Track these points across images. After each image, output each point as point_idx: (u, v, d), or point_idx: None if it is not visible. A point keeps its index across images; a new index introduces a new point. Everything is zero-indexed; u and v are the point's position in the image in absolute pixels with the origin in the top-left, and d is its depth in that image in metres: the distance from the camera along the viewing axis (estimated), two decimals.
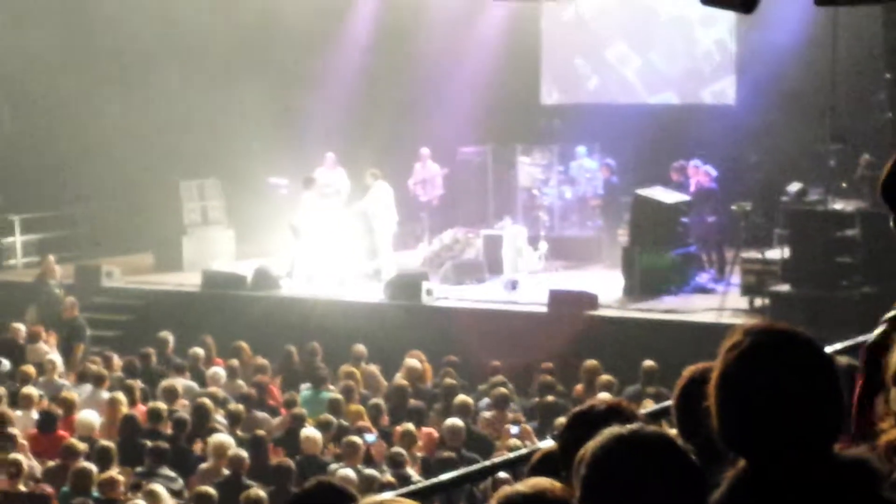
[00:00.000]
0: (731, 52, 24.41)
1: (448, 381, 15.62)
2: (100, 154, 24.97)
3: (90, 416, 13.90)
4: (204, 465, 12.57)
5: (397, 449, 12.63)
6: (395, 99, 25.31)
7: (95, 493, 11.44)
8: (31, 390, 15.27)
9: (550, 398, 14.76)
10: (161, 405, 14.41)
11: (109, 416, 14.37)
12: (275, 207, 23.98)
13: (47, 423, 13.98)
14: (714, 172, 20.81)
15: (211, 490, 11.07)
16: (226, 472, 12.11)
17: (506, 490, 3.49)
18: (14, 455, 12.18)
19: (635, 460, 2.84)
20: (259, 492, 10.77)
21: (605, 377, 15.25)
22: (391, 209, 22.35)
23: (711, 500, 2.90)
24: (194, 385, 16.33)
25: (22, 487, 11.81)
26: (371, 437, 13.30)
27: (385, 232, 22.27)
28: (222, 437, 12.83)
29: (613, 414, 3.76)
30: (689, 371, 3.96)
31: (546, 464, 4.14)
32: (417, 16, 25.41)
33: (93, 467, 11.74)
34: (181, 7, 24.86)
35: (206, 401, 14.44)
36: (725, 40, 24.45)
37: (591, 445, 2.91)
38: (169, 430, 13.73)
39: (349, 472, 11.51)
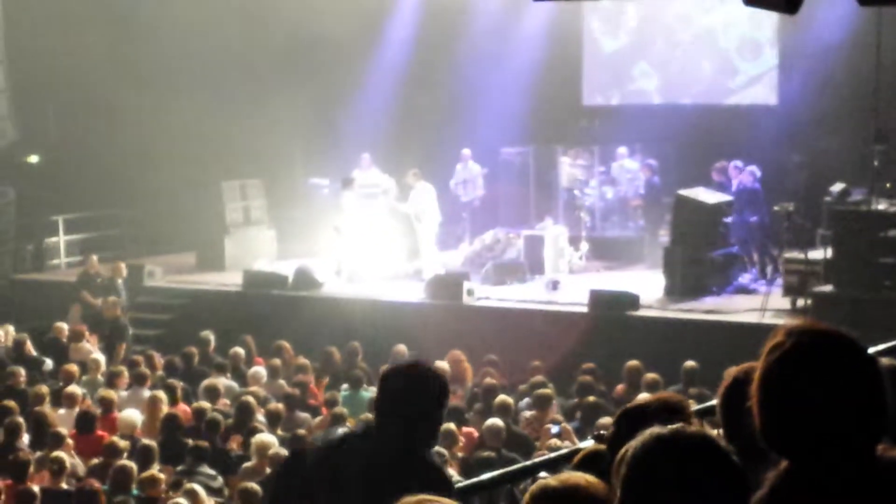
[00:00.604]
0: (774, 53, 24.36)
1: (488, 380, 15.61)
2: (143, 155, 25.14)
3: (132, 415, 13.97)
4: (247, 464, 12.61)
5: (438, 448, 12.60)
6: (436, 100, 25.34)
7: (135, 491, 11.49)
8: (74, 389, 15.37)
9: (591, 398, 14.71)
10: (206, 404, 14.48)
11: (150, 414, 14.42)
12: (316, 208, 24.07)
13: (85, 423, 14.01)
14: (758, 173, 20.71)
15: (255, 486, 11.11)
16: (268, 470, 12.14)
17: (540, 483, 3.49)
18: (57, 453, 12.26)
19: (676, 461, 2.82)
20: None
21: (651, 375, 15.20)
22: (435, 209, 22.39)
23: (753, 500, 2.89)
24: (235, 385, 16.38)
25: (64, 485, 11.88)
26: None
27: (428, 232, 22.32)
28: (265, 437, 12.86)
29: (665, 409, 3.74)
30: (733, 371, 3.94)
31: (588, 464, 4.13)
32: (459, 17, 25.44)
33: (133, 465, 11.79)
34: (226, 13, 24.97)
35: (250, 399, 14.49)
36: (768, 42, 24.40)
37: (632, 445, 2.89)
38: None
39: None
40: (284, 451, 12.32)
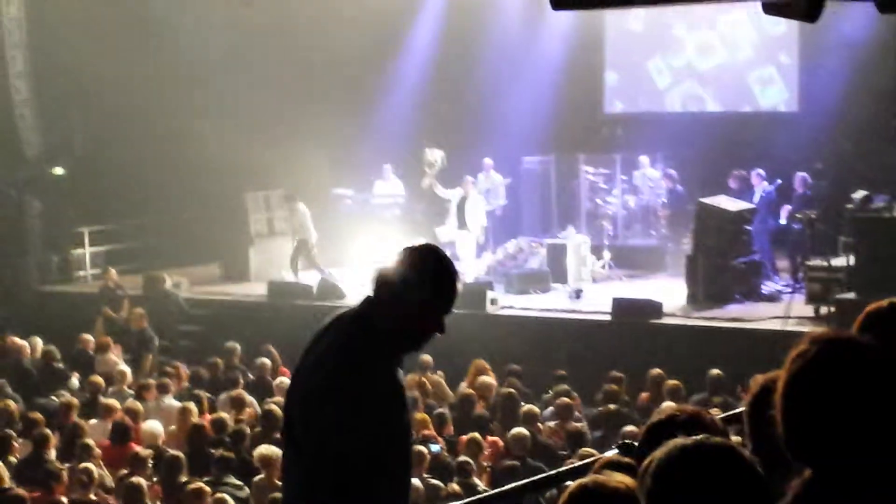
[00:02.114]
0: (794, 60, 24.34)
1: (512, 390, 15.61)
2: (168, 166, 25.19)
3: (154, 426, 14.02)
4: (257, 478, 12.36)
5: (464, 458, 12.62)
6: (458, 110, 25.36)
7: None
8: (110, 400, 15.41)
9: (615, 407, 14.74)
10: (225, 415, 14.49)
11: (181, 425, 14.45)
12: (339, 218, 24.13)
13: (120, 435, 14.05)
14: (810, 179, 20.73)
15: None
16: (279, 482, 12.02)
17: (579, 482, 3.53)
18: (86, 464, 12.30)
19: (700, 471, 2.83)
20: None
21: (672, 382, 15.12)
22: (483, 220, 22.51)
23: None
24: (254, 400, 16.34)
25: (92, 497, 11.91)
26: (436, 447, 13.29)
27: (471, 241, 22.36)
28: (266, 448, 12.54)
29: (694, 424, 3.75)
30: (761, 379, 3.93)
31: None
32: (480, 27, 25.48)
33: (143, 482, 11.71)
34: (251, 26, 25.06)
35: (275, 407, 14.47)
36: (788, 48, 24.39)
37: (656, 456, 2.90)
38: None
39: (415, 482, 11.49)
40: None
